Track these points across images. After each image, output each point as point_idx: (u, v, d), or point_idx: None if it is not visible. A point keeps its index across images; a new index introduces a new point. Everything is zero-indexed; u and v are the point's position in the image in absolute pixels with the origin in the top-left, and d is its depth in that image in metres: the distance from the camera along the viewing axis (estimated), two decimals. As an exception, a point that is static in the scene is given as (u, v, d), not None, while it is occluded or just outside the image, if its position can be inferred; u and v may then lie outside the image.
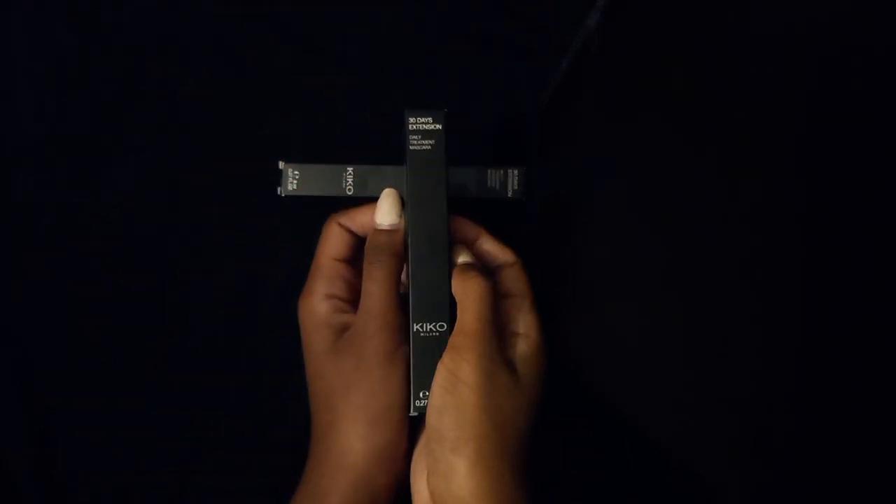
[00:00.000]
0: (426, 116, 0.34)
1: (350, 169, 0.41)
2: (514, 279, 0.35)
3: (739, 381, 0.22)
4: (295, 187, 0.41)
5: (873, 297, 0.16)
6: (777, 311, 0.20)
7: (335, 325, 0.34)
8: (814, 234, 0.18)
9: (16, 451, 0.43)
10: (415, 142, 0.34)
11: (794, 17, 0.19)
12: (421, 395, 0.33)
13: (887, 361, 0.16)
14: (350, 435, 0.32)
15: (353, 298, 0.36)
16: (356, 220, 0.36)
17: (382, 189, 0.41)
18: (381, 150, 0.46)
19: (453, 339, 0.32)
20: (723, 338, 0.23)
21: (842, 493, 0.18)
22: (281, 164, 0.41)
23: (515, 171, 0.42)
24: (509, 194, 0.42)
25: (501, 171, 0.42)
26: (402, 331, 0.34)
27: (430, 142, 0.34)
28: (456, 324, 0.33)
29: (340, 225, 0.36)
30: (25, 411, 0.43)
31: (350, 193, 0.41)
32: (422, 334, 0.33)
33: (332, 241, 0.36)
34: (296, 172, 0.41)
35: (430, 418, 0.32)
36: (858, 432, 0.17)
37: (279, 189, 0.41)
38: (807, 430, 0.19)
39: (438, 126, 0.34)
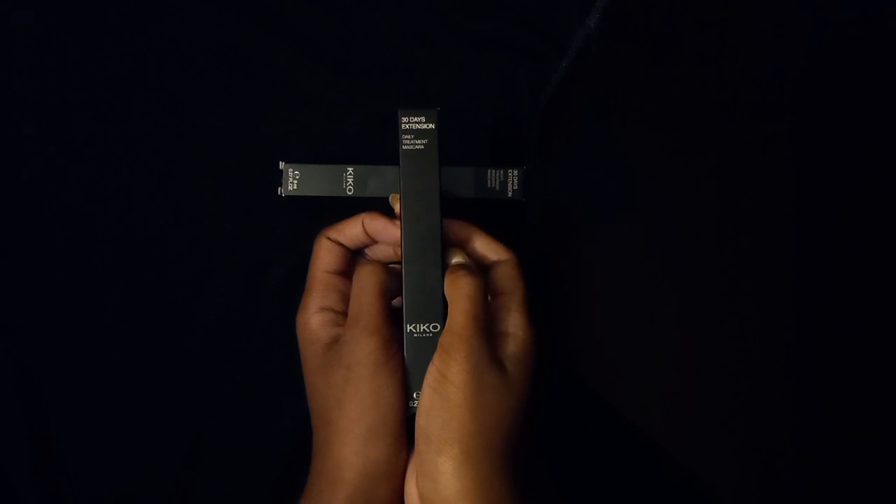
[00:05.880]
0: (419, 115, 0.33)
1: (350, 169, 0.41)
2: (506, 276, 0.35)
3: (738, 380, 0.22)
4: (295, 187, 0.41)
5: (874, 296, 0.16)
6: (777, 311, 0.20)
7: (325, 339, 0.34)
8: (813, 233, 0.18)
9: (16, 451, 0.43)
10: (407, 141, 0.33)
11: (796, 17, 0.19)
12: (414, 395, 0.33)
13: (888, 361, 0.16)
14: (345, 450, 0.32)
15: (347, 310, 0.35)
16: (345, 233, 0.36)
17: (382, 189, 0.41)
18: (381, 151, 0.46)
19: (443, 339, 0.32)
20: (722, 337, 0.23)
21: (842, 493, 0.18)
22: (281, 164, 0.41)
23: (515, 172, 0.42)
24: (509, 194, 0.42)
25: (501, 172, 0.42)
26: (395, 340, 0.33)
27: (423, 141, 0.33)
28: (446, 323, 0.32)
29: (330, 239, 0.36)
30: (25, 411, 0.44)
31: (350, 193, 0.41)
32: (415, 335, 0.33)
33: (324, 255, 0.36)
34: (296, 172, 0.41)
35: (419, 419, 0.31)
36: (859, 431, 0.17)
37: (279, 189, 0.41)
38: (806, 429, 0.19)
39: (431, 125, 0.33)
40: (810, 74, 0.18)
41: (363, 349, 0.32)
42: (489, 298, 0.36)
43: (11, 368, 0.44)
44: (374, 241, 0.36)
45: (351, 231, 0.36)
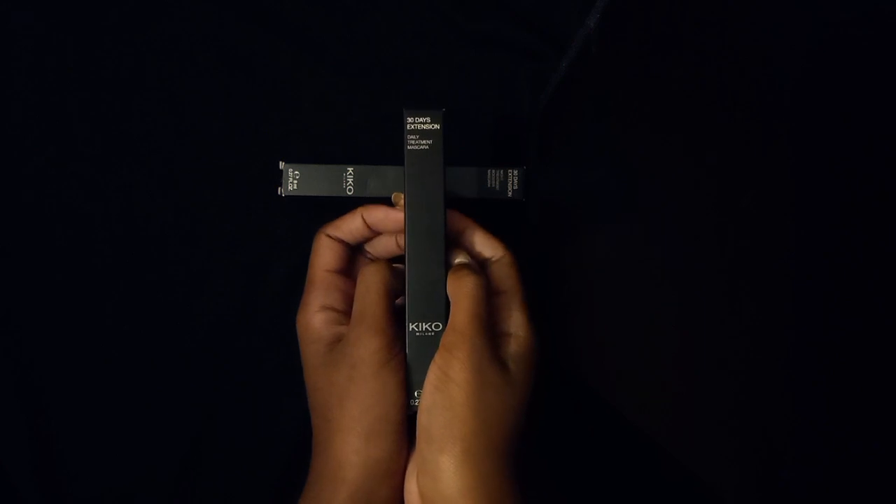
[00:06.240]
0: (424, 116, 0.33)
1: (350, 169, 0.41)
2: (504, 274, 0.35)
3: (738, 380, 0.22)
4: (295, 187, 0.41)
5: (874, 296, 0.16)
6: (777, 311, 0.20)
7: (328, 338, 0.34)
8: (813, 233, 0.18)
9: (16, 451, 0.43)
10: (412, 141, 0.34)
11: (796, 17, 0.19)
12: (416, 394, 0.33)
13: (888, 361, 0.16)
14: (346, 448, 0.32)
15: (349, 309, 0.35)
16: (343, 228, 0.36)
17: (382, 189, 0.41)
18: (381, 151, 0.46)
19: (445, 338, 0.32)
20: (722, 337, 0.23)
21: (842, 493, 0.18)
22: (281, 164, 0.41)
23: (515, 172, 0.42)
24: (509, 194, 0.42)
25: (501, 172, 0.42)
26: (398, 339, 0.33)
27: (428, 141, 0.34)
28: (448, 322, 0.32)
29: (329, 236, 0.36)
30: (25, 411, 0.44)
31: (350, 193, 0.41)
32: (417, 334, 0.33)
33: (324, 254, 0.36)
34: (296, 172, 0.41)
35: (420, 418, 0.31)
36: (859, 431, 0.17)
37: (279, 189, 0.41)
38: (806, 429, 0.19)
39: (436, 126, 0.34)
40: (810, 74, 0.18)
41: (367, 348, 0.32)
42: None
43: (11, 368, 0.44)
44: (374, 234, 0.36)
45: (350, 225, 0.36)
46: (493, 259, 0.36)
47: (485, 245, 0.36)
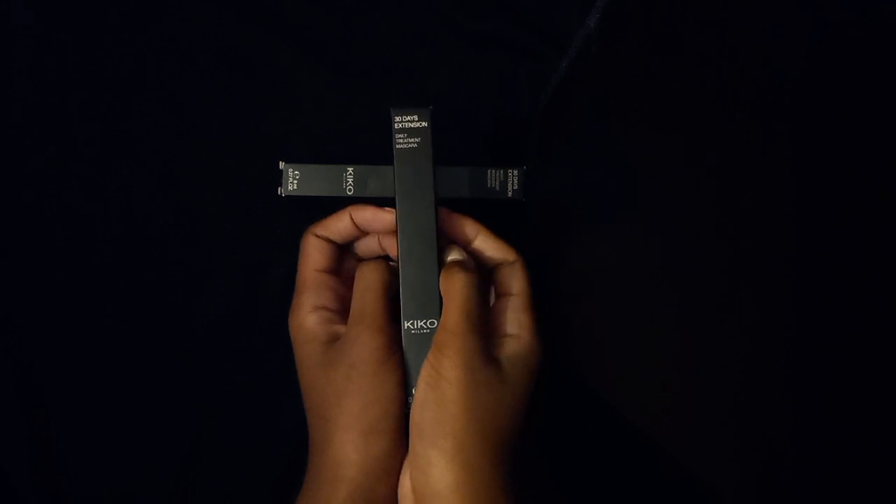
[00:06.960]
0: (412, 114, 0.34)
1: (350, 169, 0.41)
2: (512, 277, 0.35)
3: (738, 380, 0.22)
4: (295, 187, 0.41)
5: (874, 296, 0.16)
6: (777, 311, 0.20)
7: (324, 337, 0.34)
8: (813, 233, 0.18)
9: (16, 451, 0.43)
10: (401, 140, 0.34)
11: (796, 17, 0.19)
12: (413, 391, 0.33)
13: (888, 361, 0.16)
14: (345, 446, 0.32)
15: (342, 309, 0.35)
16: (331, 228, 0.36)
17: (382, 189, 0.41)
18: (381, 151, 0.46)
19: (437, 336, 0.32)
20: (722, 337, 0.23)
21: (842, 493, 0.18)
22: (281, 164, 0.41)
23: (515, 172, 0.42)
24: (509, 194, 0.42)
25: (501, 172, 0.42)
26: (397, 337, 0.33)
27: (416, 139, 0.34)
28: (440, 320, 0.33)
29: (317, 236, 0.36)
30: (25, 411, 0.44)
31: (350, 193, 0.41)
32: (412, 332, 0.33)
33: (313, 254, 0.36)
34: (296, 172, 0.41)
35: (413, 414, 0.32)
36: (859, 431, 0.17)
37: (279, 189, 0.41)
38: (806, 429, 0.19)
39: (424, 123, 0.34)
40: (810, 74, 0.18)
41: (367, 347, 0.32)
42: (494, 299, 0.36)
43: (11, 368, 0.44)
44: (362, 234, 0.36)
45: (338, 225, 0.36)
46: (505, 263, 0.36)
47: (496, 250, 0.36)
